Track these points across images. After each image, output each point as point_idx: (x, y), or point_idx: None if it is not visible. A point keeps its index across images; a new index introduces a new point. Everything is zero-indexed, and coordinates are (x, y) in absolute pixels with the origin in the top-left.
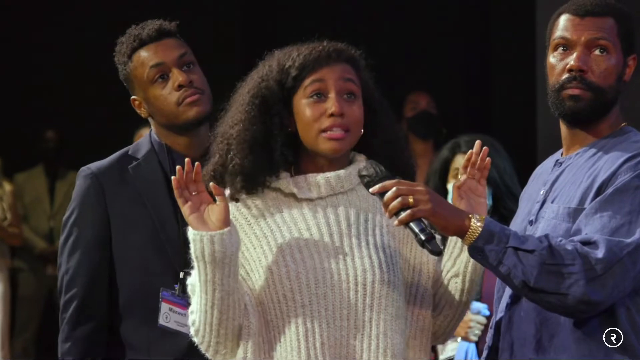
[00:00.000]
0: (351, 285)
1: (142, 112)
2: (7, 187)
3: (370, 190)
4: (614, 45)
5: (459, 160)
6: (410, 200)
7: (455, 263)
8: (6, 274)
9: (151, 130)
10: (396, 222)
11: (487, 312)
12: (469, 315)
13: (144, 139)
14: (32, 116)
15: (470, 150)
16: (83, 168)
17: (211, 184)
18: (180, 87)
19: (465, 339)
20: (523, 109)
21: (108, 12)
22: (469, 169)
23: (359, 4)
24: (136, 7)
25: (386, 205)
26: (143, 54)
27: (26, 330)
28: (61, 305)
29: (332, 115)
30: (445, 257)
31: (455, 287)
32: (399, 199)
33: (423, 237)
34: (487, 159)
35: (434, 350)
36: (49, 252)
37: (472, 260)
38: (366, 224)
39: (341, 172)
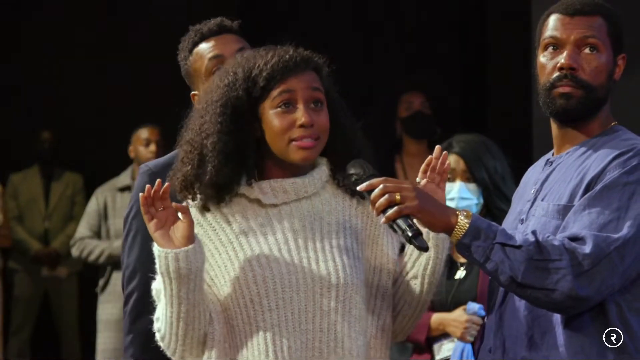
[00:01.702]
0: (316, 289)
1: None
2: None
3: (358, 188)
4: (604, 43)
5: (452, 161)
6: (397, 197)
7: (414, 265)
8: None
9: None
10: (383, 219)
11: (483, 313)
12: (464, 316)
13: None
14: (28, 117)
15: (430, 156)
16: (142, 165)
17: (173, 203)
18: None
19: (462, 339)
20: (518, 108)
21: (105, 13)
22: (428, 173)
23: (356, 4)
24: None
25: (373, 202)
26: (202, 46)
27: (21, 332)
28: (124, 299)
29: (302, 126)
30: (405, 258)
31: (414, 288)
32: (386, 196)
33: (410, 234)
34: (447, 162)
35: (430, 350)
36: (44, 254)
37: (431, 262)
38: (329, 227)
39: (305, 177)
